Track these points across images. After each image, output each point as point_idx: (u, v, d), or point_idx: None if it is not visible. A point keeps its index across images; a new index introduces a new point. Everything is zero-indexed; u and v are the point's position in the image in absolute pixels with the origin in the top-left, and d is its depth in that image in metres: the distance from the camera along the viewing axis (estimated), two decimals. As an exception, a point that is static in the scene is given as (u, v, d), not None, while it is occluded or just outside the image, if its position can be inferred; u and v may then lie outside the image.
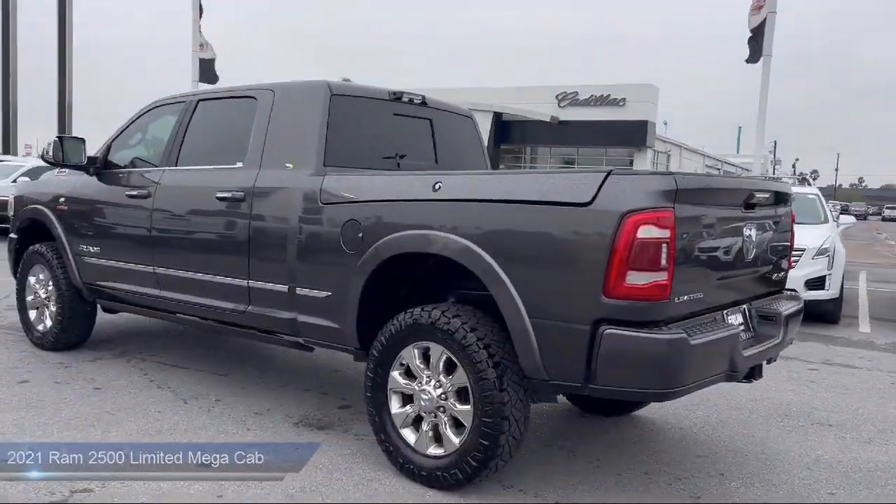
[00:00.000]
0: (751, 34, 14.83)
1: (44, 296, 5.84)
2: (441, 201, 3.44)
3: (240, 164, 4.43)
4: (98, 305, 5.69)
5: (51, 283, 5.76)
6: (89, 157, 5.32)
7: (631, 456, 4.11)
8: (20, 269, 6.01)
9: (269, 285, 4.17)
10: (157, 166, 5.07)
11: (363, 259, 3.68)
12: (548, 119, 39.09)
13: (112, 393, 4.81)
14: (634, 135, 38.48)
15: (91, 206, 5.36)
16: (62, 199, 5.57)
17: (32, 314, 5.99)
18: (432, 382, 3.48)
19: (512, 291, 3.14)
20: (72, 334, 5.76)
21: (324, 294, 3.92)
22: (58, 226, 5.59)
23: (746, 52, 14.26)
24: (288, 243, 4.06)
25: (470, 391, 3.32)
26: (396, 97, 4.60)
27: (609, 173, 2.97)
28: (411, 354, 3.55)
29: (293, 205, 4.05)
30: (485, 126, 40.10)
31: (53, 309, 5.76)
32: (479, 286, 3.70)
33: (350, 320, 3.79)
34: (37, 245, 5.83)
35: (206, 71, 20.40)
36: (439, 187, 3.45)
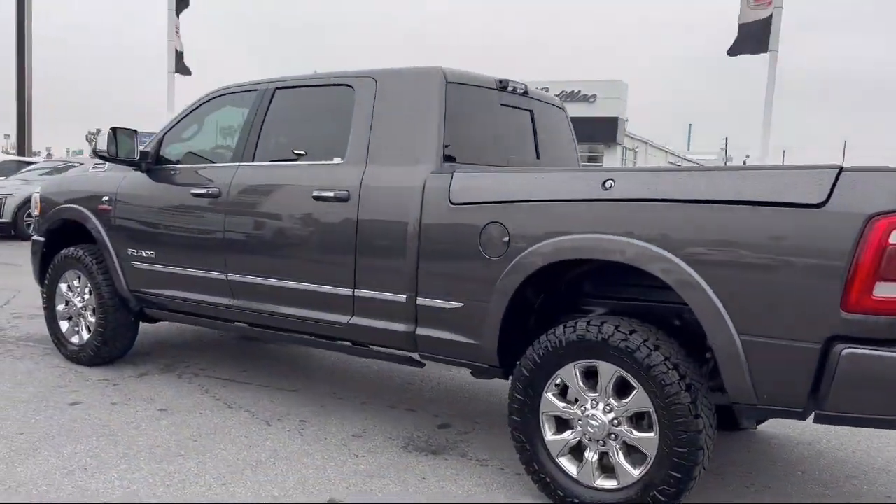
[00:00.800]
0: (742, 28, 14.61)
1: (79, 305, 5.28)
2: (615, 201, 3.05)
3: (338, 160, 3.97)
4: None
5: (88, 290, 5.20)
6: (141, 152, 4.78)
7: (792, 479, 3.78)
8: (49, 275, 5.42)
9: (381, 295, 3.74)
10: (224, 162, 4.57)
11: (511, 266, 3.27)
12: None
13: (182, 415, 4.31)
14: (604, 131, 38.56)
15: (144, 206, 4.83)
16: (105, 199, 5.02)
17: (64, 325, 5.42)
18: (600, 406, 3.10)
19: (717, 305, 2.77)
20: (114, 347, 5.21)
21: (454, 305, 3.50)
22: (101, 228, 5.04)
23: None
24: (407, 248, 3.63)
25: (653, 417, 2.95)
26: (502, 86, 4.19)
27: (841, 170, 2.62)
28: (572, 374, 3.16)
29: (412, 205, 3.62)
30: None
31: (92, 319, 5.20)
32: (636, 295, 3.33)
33: (490, 335, 3.38)
34: (71, 249, 5.27)
35: (180, 63, 19.57)
36: (611, 185, 3.07)
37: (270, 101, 4.38)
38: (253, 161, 4.35)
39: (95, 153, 4.73)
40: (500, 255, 3.32)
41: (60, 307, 5.42)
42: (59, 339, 5.42)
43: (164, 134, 4.89)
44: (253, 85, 4.58)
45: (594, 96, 38.43)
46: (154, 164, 4.84)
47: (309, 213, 3.99)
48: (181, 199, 4.61)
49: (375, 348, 3.94)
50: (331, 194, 3.87)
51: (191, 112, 4.85)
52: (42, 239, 5.53)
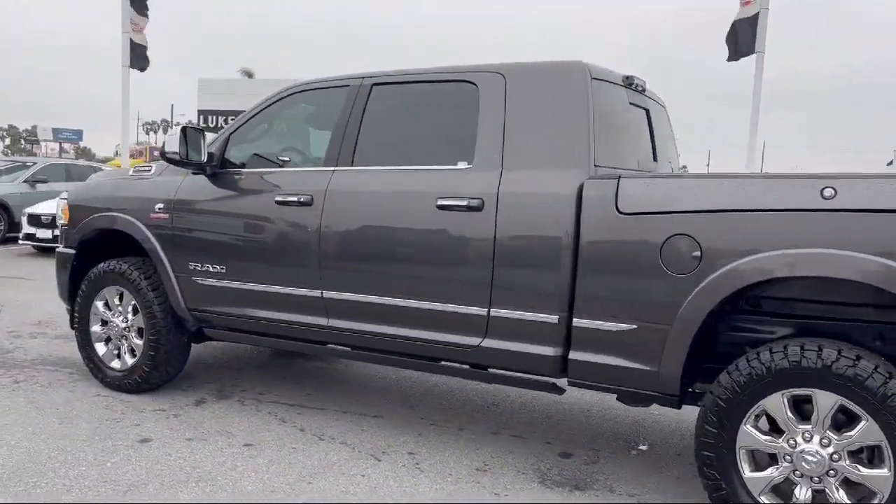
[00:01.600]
0: (732, 29, 14.64)
1: (121, 325, 4.70)
2: (839, 212, 2.74)
3: (465, 165, 3.56)
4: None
5: (133, 309, 4.64)
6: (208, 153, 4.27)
7: None
8: (82, 292, 4.82)
9: (525, 315, 3.36)
10: (310, 166, 4.10)
11: (706, 285, 2.94)
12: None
13: (273, 451, 3.83)
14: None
15: (212, 215, 4.31)
16: (160, 207, 4.47)
17: (101, 348, 4.83)
18: (815, 439, 2.79)
19: None
20: (164, 372, 4.66)
21: (624, 327, 3.14)
22: (153, 240, 4.48)
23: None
24: (559, 263, 3.26)
25: (887, 450, 2.65)
26: (628, 82, 3.86)
27: None
28: (779, 404, 2.84)
29: (565, 215, 3.25)
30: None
31: (139, 341, 4.64)
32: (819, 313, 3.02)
33: (674, 361, 3.05)
34: (112, 263, 4.69)
35: (139, 56, 18.52)
36: (831, 194, 2.76)
37: (367, 99, 3.92)
38: (352, 165, 3.89)
39: (163, 156, 4.17)
40: (688, 272, 2.98)
41: (96, 328, 4.83)
42: (95, 364, 4.82)
43: (230, 134, 4.37)
44: (339, 80, 4.12)
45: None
46: (219, 167, 4.32)
47: (432, 224, 3.56)
48: (261, 207, 4.11)
49: (505, 373, 3.55)
50: (461, 203, 3.46)
51: (263, 109, 4.34)
52: (72, 251, 4.91)
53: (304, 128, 4.58)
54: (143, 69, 18.16)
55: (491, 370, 3.58)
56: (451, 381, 5.13)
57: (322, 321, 3.94)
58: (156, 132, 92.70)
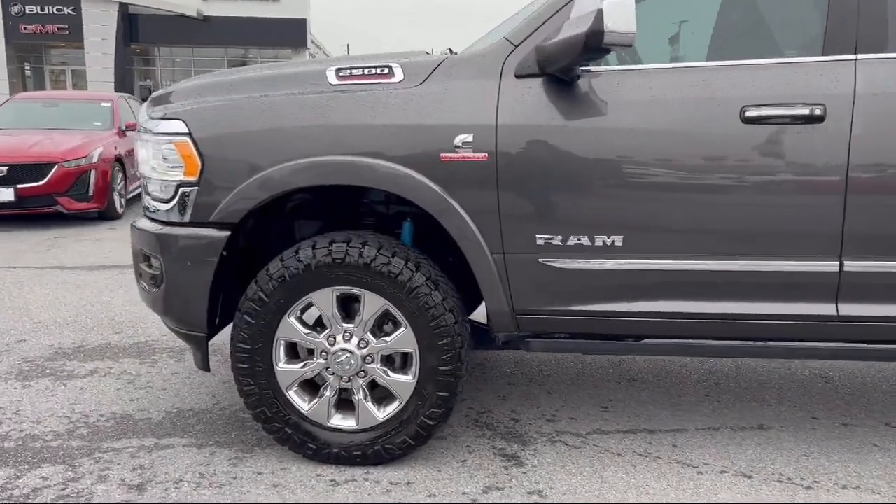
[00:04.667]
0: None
1: (356, 352, 2.68)
2: None
3: None
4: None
5: (376, 324, 2.68)
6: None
7: None
8: (255, 301, 2.66)
9: None
10: (801, 54, 2.49)
11: None
12: (193, 14, 34.12)
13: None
14: (291, 34, 35.80)
15: (591, 149, 2.48)
16: (464, 141, 2.49)
17: (301, 399, 2.76)
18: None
19: None
20: (438, 421, 2.77)
21: None
22: (450, 200, 2.52)
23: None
24: None
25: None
26: None
27: None
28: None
29: None
30: (108, 21, 33.54)
31: (397, 378, 2.70)
32: None
33: None
34: (339, 244, 2.61)
35: None
36: None
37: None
38: (887, 50, 2.38)
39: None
40: None
41: (289, 366, 2.73)
42: (291, 428, 2.74)
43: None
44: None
45: (278, -6, 35.19)
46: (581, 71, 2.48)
47: None
48: (705, 129, 2.42)
49: None
50: None
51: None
52: (220, 233, 2.66)
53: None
54: None
55: None
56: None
57: (827, 309, 2.47)
58: None
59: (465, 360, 2.67)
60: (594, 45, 2.18)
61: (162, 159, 2.69)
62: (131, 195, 9.39)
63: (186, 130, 2.63)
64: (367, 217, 3.06)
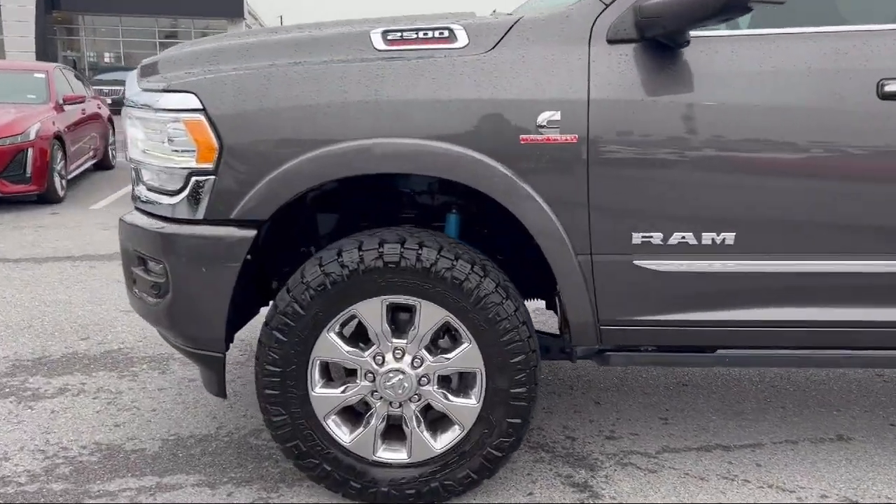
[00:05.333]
0: None
1: (409, 372, 2.25)
2: None
3: None
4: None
5: (432, 340, 2.26)
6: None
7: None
8: (287, 315, 2.19)
9: None
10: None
11: None
12: (121, -19, 32.34)
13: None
14: (226, 4, 34.32)
15: (702, 131, 2.08)
16: (549, 119, 2.07)
17: (341, 430, 2.31)
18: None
19: None
20: (507, 451, 2.37)
21: None
22: (529, 189, 2.10)
23: None
24: None
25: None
26: None
27: None
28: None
29: None
30: (28, -12, 31.44)
31: (458, 402, 2.29)
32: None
33: None
34: (391, 244, 2.16)
35: None
36: None
37: None
38: None
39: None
40: None
41: (327, 391, 2.28)
42: (326, 457, 2.30)
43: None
44: None
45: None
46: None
47: None
48: (840, 105, 2.05)
49: None
50: None
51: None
52: (248, 233, 2.18)
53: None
54: None
55: None
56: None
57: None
58: None
59: (539, 380, 2.26)
60: (739, 1, 1.77)
61: (166, 141, 2.18)
62: (72, 175, 8.60)
63: (200, 106, 2.12)
64: (395, 208, 2.61)
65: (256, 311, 2.66)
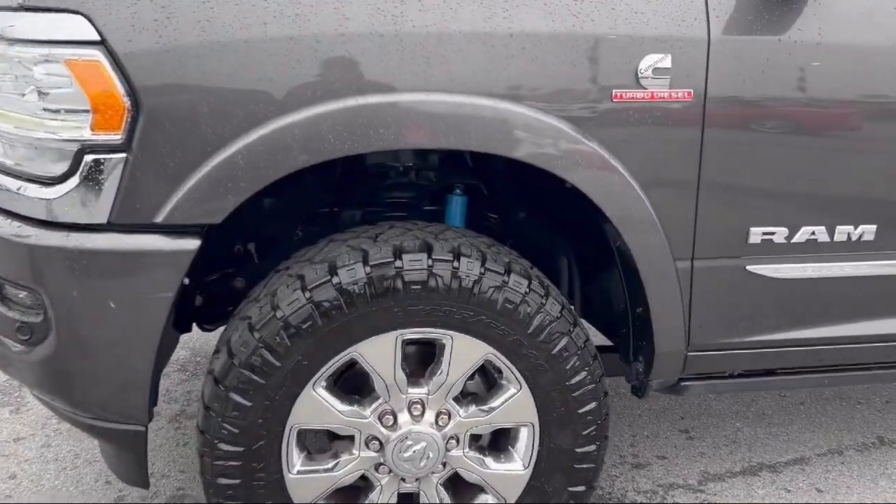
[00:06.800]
0: None
1: (430, 433, 1.56)
2: None
3: None
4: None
5: (455, 390, 1.59)
6: None
7: None
8: (278, 365, 1.43)
9: None
10: None
11: None
12: None
13: None
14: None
15: (859, 89, 1.50)
16: (655, 68, 1.40)
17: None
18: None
19: None
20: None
21: None
22: (628, 176, 1.44)
23: None
24: None
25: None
26: None
27: None
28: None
29: None
30: None
31: (501, 469, 1.65)
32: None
33: None
34: (424, 252, 1.44)
35: None
36: None
37: None
38: None
39: None
40: None
41: (308, 469, 1.55)
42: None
43: None
44: None
45: None
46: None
47: None
48: None
49: None
50: None
51: None
52: (188, 244, 1.36)
53: None
54: None
55: None
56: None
57: None
58: None
59: (609, 434, 1.64)
60: None
61: (33, 95, 1.30)
62: None
63: (96, 36, 1.26)
64: (373, 188, 1.87)
65: (175, 342, 1.84)
